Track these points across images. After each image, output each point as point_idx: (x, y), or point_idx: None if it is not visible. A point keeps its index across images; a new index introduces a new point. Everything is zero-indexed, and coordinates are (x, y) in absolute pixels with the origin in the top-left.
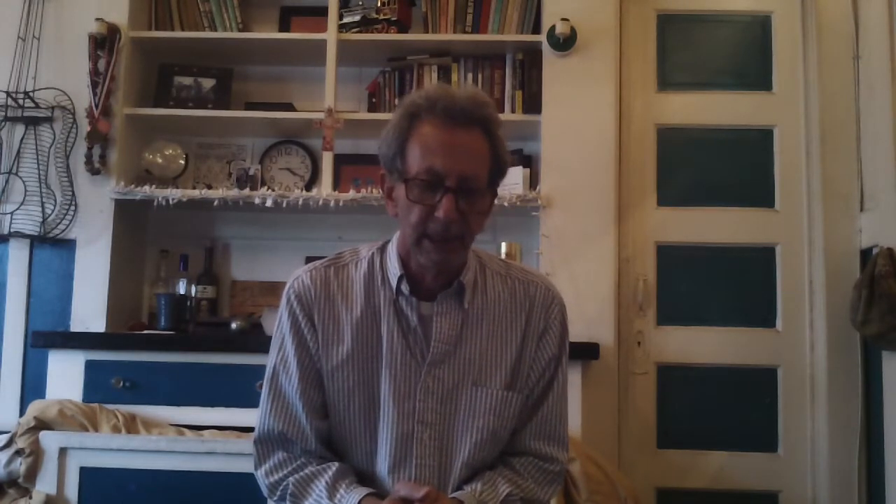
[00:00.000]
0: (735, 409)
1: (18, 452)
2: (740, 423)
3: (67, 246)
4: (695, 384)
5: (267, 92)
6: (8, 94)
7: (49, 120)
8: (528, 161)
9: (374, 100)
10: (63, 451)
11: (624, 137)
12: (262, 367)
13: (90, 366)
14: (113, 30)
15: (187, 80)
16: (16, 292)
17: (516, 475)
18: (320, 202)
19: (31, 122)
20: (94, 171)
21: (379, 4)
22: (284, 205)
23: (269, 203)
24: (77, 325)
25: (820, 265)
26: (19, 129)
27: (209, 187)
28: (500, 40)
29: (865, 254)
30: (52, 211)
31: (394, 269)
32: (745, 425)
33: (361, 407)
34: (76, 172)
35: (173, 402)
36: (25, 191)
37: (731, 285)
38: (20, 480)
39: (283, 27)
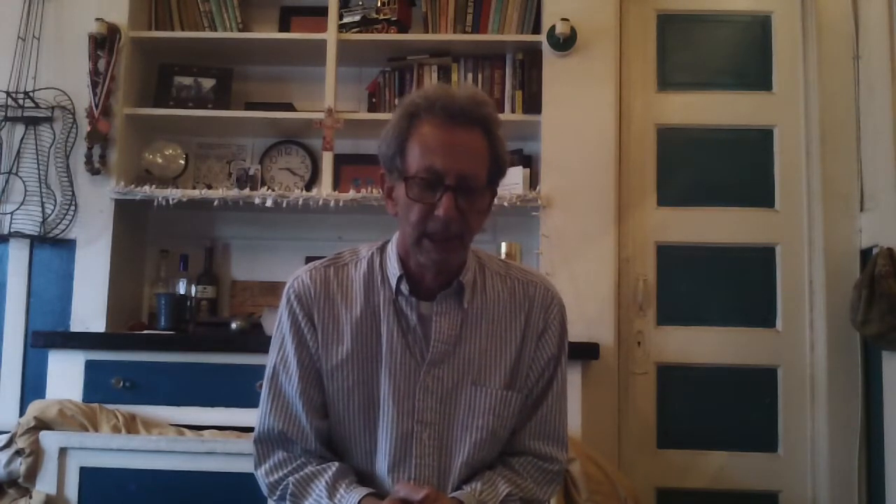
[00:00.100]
0: (735, 409)
1: (18, 452)
2: (740, 423)
3: (67, 246)
4: (695, 384)
5: (267, 92)
6: (8, 94)
7: (49, 120)
8: (528, 161)
9: (374, 100)
10: (63, 451)
11: (624, 137)
12: (262, 367)
13: (90, 366)
14: (113, 30)
15: (187, 80)
16: (16, 292)
17: (516, 475)
18: (320, 202)
19: (31, 122)
20: (94, 171)
21: (379, 4)
22: (284, 205)
23: (269, 203)
24: (77, 325)
25: (820, 265)
26: (19, 129)
27: (209, 187)
28: (500, 40)
29: (865, 254)
30: (52, 211)
31: (393, 268)
32: (745, 425)
33: (361, 406)
34: (76, 172)
35: (173, 402)
36: (25, 191)
37: (731, 285)
38: (20, 480)
39: (283, 27)
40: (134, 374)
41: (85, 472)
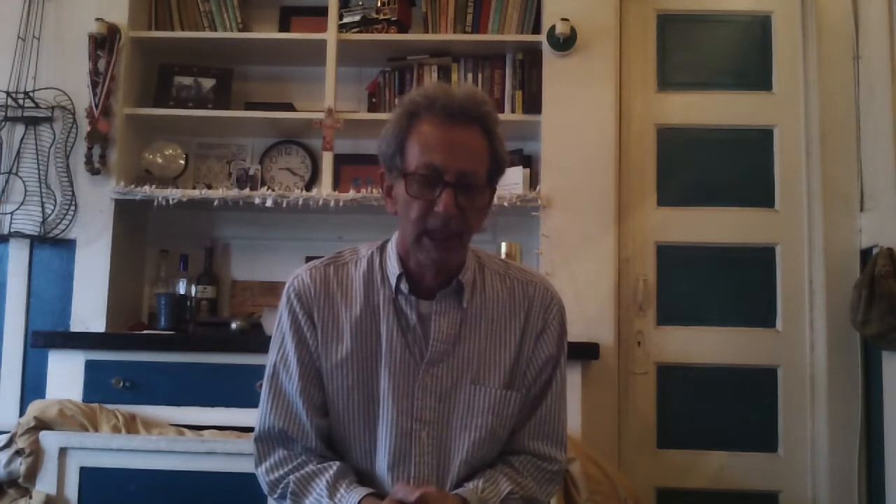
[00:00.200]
0: (735, 409)
1: (18, 452)
2: (740, 423)
3: (67, 246)
4: (695, 384)
5: (267, 92)
6: (8, 94)
7: (49, 120)
8: (528, 161)
9: (374, 100)
10: (63, 451)
11: (624, 137)
12: (262, 367)
13: (90, 366)
14: (113, 30)
15: (187, 80)
16: (16, 292)
17: (516, 473)
18: (320, 202)
19: (31, 122)
20: (94, 171)
21: (379, 4)
22: (284, 205)
23: (269, 203)
24: (77, 325)
25: (820, 265)
26: (19, 129)
27: (209, 187)
28: (500, 40)
29: (865, 254)
30: (52, 211)
31: (393, 267)
32: (745, 425)
33: (360, 405)
34: (76, 172)
35: (173, 402)
36: (25, 191)
37: (731, 285)
38: (20, 480)
39: (283, 27)
40: (134, 374)
41: (85, 472)
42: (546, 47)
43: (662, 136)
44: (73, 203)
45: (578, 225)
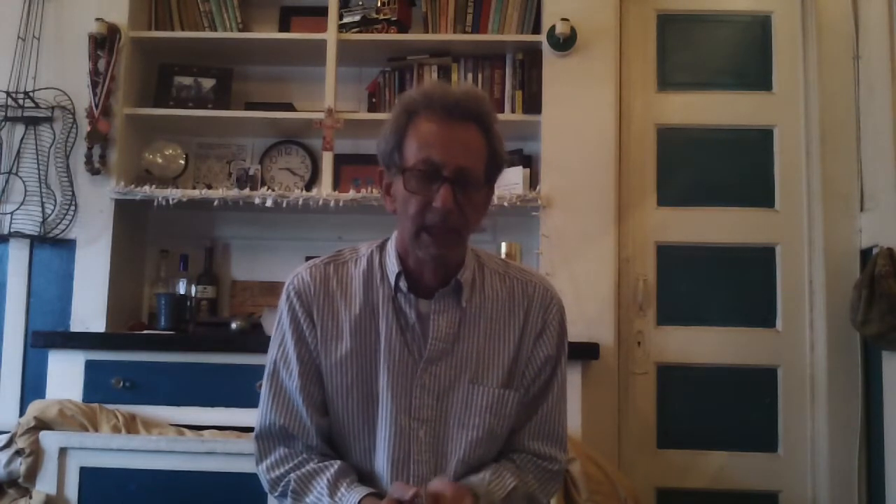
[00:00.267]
0: (735, 409)
1: (18, 452)
2: (740, 423)
3: (67, 246)
4: (695, 384)
5: (267, 92)
6: (8, 94)
7: (49, 120)
8: (528, 161)
9: (374, 100)
10: (63, 451)
11: (624, 137)
12: (262, 368)
13: (90, 366)
14: (113, 30)
15: (187, 80)
16: (16, 292)
17: (519, 470)
18: (320, 202)
19: (31, 122)
20: (94, 171)
21: (379, 4)
22: (284, 205)
23: (269, 203)
24: (77, 325)
25: (820, 265)
26: (19, 129)
27: (209, 187)
28: (500, 40)
29: (865, 254)
30: (52, 211)
31: (392, 266)
32: (745, 425)
33: (360, 403)
34: (76, 172)
35: (173, 402)
36: (25, 191)
37: (731, 285)
38: (20, 480)
39: (283, 27)
40: (134, 374)
41: (85, 472)
42: (546, 47)
43: (662, 136)
44: (73, 203)
45: (578, 225)
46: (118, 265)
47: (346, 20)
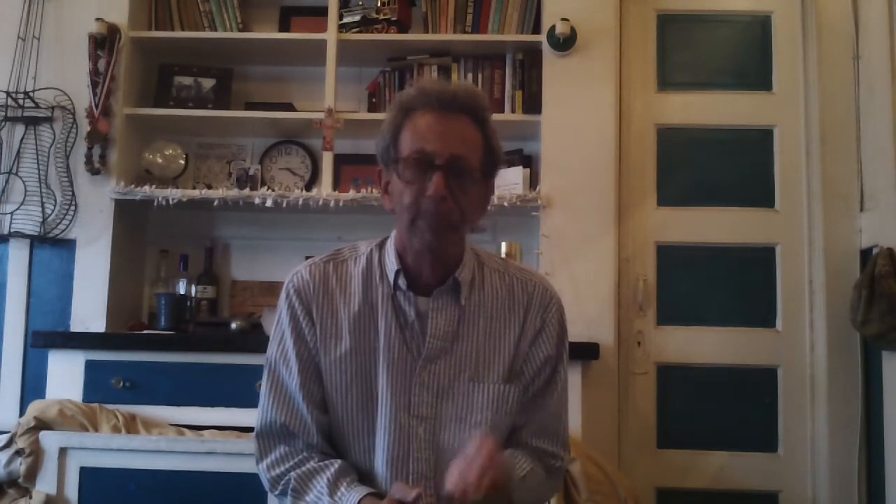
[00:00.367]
0: (735, 409)
1: (18, 452)
2: (740, 423)
3: (67, 246)
4: (695, 384)
5: (267, 92)
6: (8, 94)
7: (49, 120)
8: (528, 161)
9: (374, 100)
10: (63, 451)
11: (624, 137)
12: (262, 367)
13: (90, 366)
14: (113, 30)
15: (187, 80)
16: (16, 292)
17: (528, 460)
18: (320, 202)
19: (31, 122)
20: (94, 171)
21: (379, 4)
22: (284, 205)
23: (269, 203)
24: (77, 325)
25: (820, 265)
26: (19, 129)
27: (209, 187)
28: (500, 40)
29: (865, 254)
30: (52, 211)
31: (391, 263)
32: (745, 425)
33: (359, 401)
34: (76, 172)
35: (173, 402)
36: (25, 191)
37: (731, 285)
38: (20, 480)
39: (283, 27)
40: (134, 374)
41: (85, 472)
42: (546, 47)
43: (662, 136)
44: (73, 203)
45: (578, 225)
46: (118, 265)
47: (346, 20)
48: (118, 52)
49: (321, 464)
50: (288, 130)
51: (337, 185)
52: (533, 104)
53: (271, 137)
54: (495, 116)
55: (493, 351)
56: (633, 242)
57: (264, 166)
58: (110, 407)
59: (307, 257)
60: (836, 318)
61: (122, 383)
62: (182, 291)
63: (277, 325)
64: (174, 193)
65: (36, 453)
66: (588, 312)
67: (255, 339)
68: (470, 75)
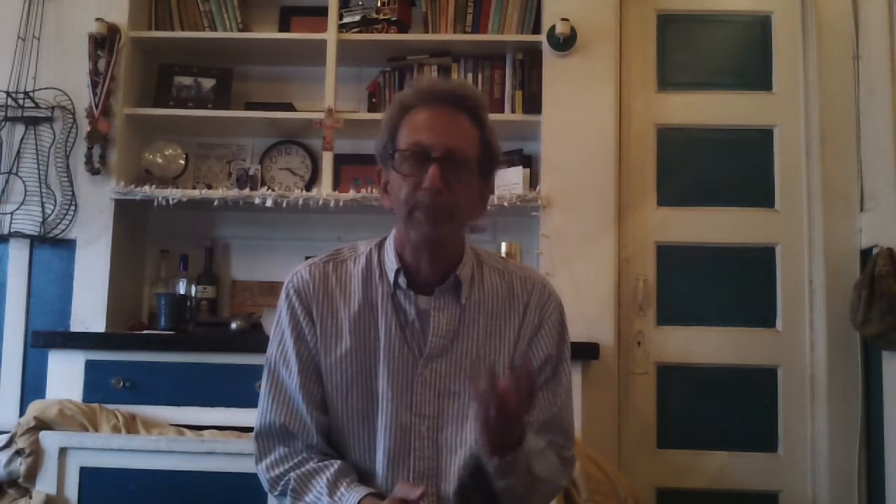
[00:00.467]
0: (735, 409)
1: (18, 452)
2: (740, 423)
3: (67, 246)
4: (695, 384)
5: (267, 92)
6: (8, 94)
7: (49, 120)
8: (528, 161)
9: (374, 100)
10: (63, 451)
11: (624, 137)
12: (262, 367)
13: (90, 366)
14: (113, 30)
15: (187, 80)
16: (16, 292)
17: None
18: (320, 202)
19: (31, 122)
20: (94, 171)
21: (379, 4)
22: (284, 205)
23: (269, 203)
24: (77, 325)
25: (820, 265)
26: (19, 129)
27: (209, 187)
28: (500, 40)
29: (865, 254)
30: (52, 211)
31: (391, 262)
32: (745, 425)
33: (359, 401)
34: (76, 172)
35: (173, 402)
36: (25, 191)
37: (731, 285)
38: (20, 480)
39: (283, 27)
40: (134, 374)
41: (85, 472)
42: (546, 47)
43: (662, 136)
44: (73, 203)
45: (578, 225)
46: (118, 265)
47: (346, 20)
48: (118, 52)
49: (321, 464)
50: (288, 130)
51: (337, 185)
52: (533, 104)
53: (271, 137)
54: (495, 116)
55: (493, 348)
56: (633, 242)
57: (264, 166)
58: (110, 407)
59: (307, 257)
60: (836, 318)
61: (122, 383)
62: (182, 291)
63: (277, 325)
64: (174, 193)
65: (36, 453)
66: (588, 312)
67: (255, 339)
68: (470, 75)
